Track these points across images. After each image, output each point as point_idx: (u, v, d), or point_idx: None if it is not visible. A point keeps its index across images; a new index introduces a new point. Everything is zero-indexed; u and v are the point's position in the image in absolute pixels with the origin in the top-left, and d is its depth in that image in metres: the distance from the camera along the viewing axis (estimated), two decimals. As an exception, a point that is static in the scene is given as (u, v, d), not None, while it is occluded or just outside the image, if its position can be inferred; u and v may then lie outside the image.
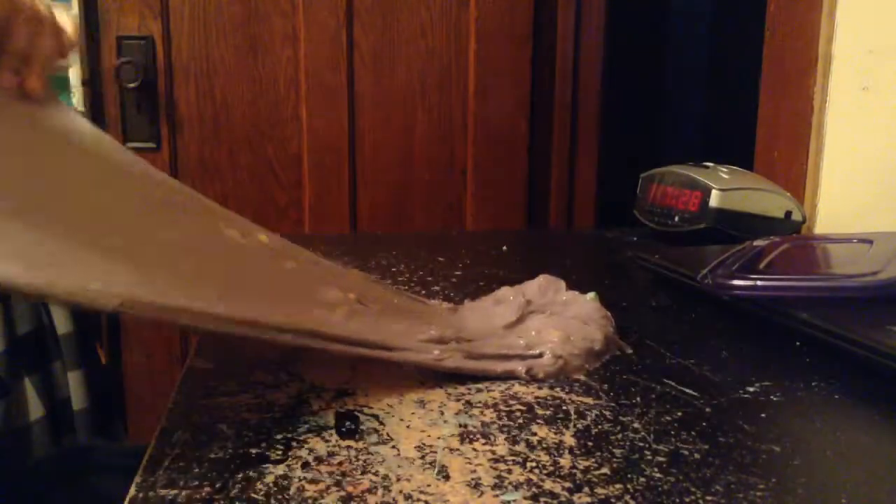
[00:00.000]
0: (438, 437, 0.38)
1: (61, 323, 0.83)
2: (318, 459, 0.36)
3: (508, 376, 0.46)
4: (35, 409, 0.78)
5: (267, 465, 0.35)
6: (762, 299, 0.57)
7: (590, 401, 0.43)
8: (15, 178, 0.39)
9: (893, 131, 0.88)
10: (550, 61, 1.60)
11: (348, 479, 0.34)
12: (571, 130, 1.63)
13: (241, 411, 0.41)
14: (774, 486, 0.34)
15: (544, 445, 0.38)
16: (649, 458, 0.36)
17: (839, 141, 0.92)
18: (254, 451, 0.37)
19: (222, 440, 0.38)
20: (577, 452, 0.37)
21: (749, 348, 0.54)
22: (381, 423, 0.40)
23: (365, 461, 0.36)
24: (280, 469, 0.35)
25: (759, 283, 0.58)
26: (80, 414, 0.83)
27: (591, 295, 0.57)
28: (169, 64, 1.44)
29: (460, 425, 0.40)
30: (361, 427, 0.39)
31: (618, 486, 0.34)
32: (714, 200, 0.84)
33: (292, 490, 0.33)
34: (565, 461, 0.36)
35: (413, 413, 0.41)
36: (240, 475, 0.34)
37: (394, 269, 0.74)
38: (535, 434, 0.39)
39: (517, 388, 0.45)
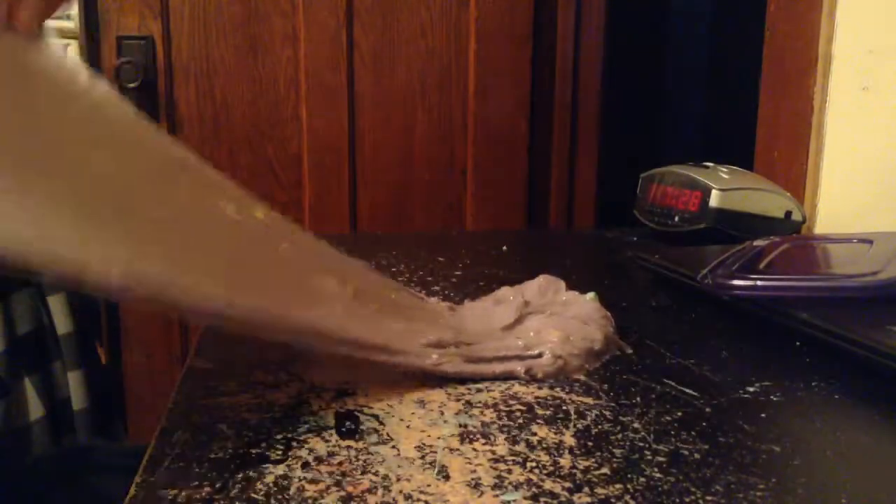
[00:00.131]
0: (438, 437, 0.38)
1: (61, 323, 0.83)
2: (318, 459, 0.36)
3: (508, 377, 0.46)
4: (35, 409, 0.78)
5: (267, 465, 0.35)
6: (762, 299, 0.57)
7: (590, 401, 0.43)
8: (10, 131, 0.35)
9: (893, 131, 0.88)
10: (550, 61, 1.60)
11: (348, 479, 0.34)
12: (571, 130, 1.63)
13: (241, 411, 0.41)
14: (774, 486, 0.34)
15: (544, 445, 0.38)
16: (649, 458, 0.36)
17: (839, 141, 0.92)
18: (254, 451, 0.37)
19: (222, 440, 0.38)
20: (577, 452, 0.37)
21: (749, 348, 0.54)
22: (381, 423, 0.40)
23: (365, 461, 0.36)
24: (280, 469, 0.35)
25: (759, 283, 0.58)
26: (80, 414, 0.83)
27: (590, 295, 0.57)
28: (169, 64, 1.44)
29: (460, 425, 0.40)
30: (361, 427, 0.39)
31: (618, 486, 0.34)
32: (714, 200, 0.84)
33: (292, 490, 0.33)
34: (565, 461, 0.36)
35: (413, 413, 0.41)
36: (240, 475, 0.34)
37: (394, 269, 0.74)
38: (535, 434, 0.39)
39: (517, 388, 0.45)
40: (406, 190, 1.55)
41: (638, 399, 0.43)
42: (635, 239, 0.93)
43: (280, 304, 0.42)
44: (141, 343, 1.51)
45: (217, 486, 0.33)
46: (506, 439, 0.38)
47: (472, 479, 0.34)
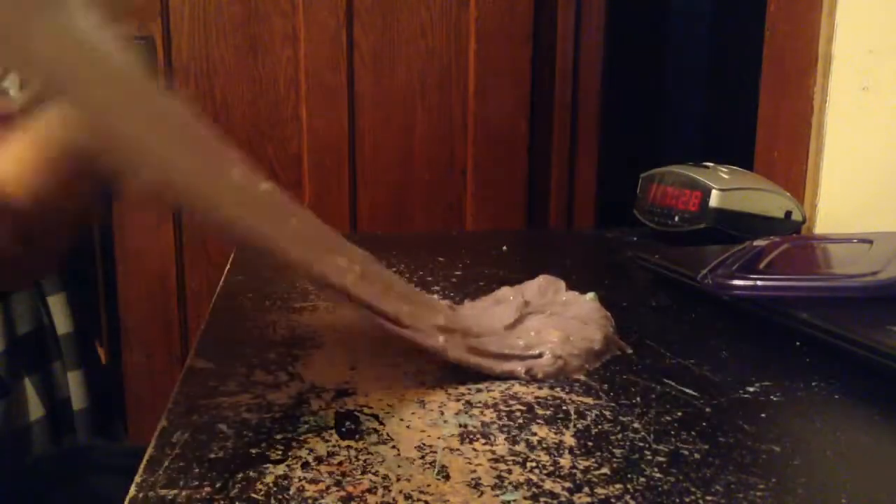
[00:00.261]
0: (438, 437, 0.38)
1: (61, 323, 0.83)
2: (318, 459, 0.36)
3: (508, 376, 0.46)
4: (35, 409, 0.78)
5: (267, 465, 0.35)
6: (762, 299, 0.57)
7: (590, 401, 0.43)
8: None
9: (893, 131, 0.88)
10: (550, 61, 1.60)
11: (348, 479, 0.34)
12: (571, 130, 1.63)
13: (241, 411, 0.41)
14: (774, 486, 0.34)
15: (544, 445, 0.38)
16: (649, 458, 0.36)
17: (839, 141, 0.92)
18: (254, 451, 0.37)
19: (222, 440, 0.38)
20: (577, 452, 0.37)
21: (749, 348, 0.54)
22: (381, 423, 0.40)
23: (365, 461, 0.36)
24: (280, 469, 0.35)
25: (759, 283, 0.58)
26: (80, 414, 0.83)
27: (590, 295, 0.57)
28: (169, 64, 1.44)
29: (460, 425, 0.40)
30: (361, 427, 0.39)
31: (618, 486, 0.34)
32: (714, 200, 0.84)
33: (292, 490, 0.33)
34: (565, 461, 0.36)
35: (413, 413, 0.41)
36: (240, 475, 0.34)
37: (394, 269, 0.74)
38: (535, 434, 0.39)
39: (517, 388, 0.45)
40: (406, 190, 1.55)
41: (638, 399, 0.43)
42: (635, 239, 0.93)
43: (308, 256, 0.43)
44: (141, 343, 1.51)
45: (217, 486, 0.33)
46: (506, 439, 0.38)
47: (472, 479, 0.34)
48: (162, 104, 0.42)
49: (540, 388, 0.45)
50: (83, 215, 0.44)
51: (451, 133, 1.55)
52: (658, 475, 0.35)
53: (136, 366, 1.51)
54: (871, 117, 0.89)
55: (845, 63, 0.91)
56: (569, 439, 0.38)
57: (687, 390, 0.45)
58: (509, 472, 0.35)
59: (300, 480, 0.34)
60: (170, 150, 0.40)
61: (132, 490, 0.33)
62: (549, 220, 1.64)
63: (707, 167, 0.90)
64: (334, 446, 0.37)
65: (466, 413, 0.41)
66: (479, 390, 0.44)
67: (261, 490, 0.33)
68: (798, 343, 0.53)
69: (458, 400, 0.43)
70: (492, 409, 0.42)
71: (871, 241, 0.67)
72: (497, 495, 0.33)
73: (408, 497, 0.33)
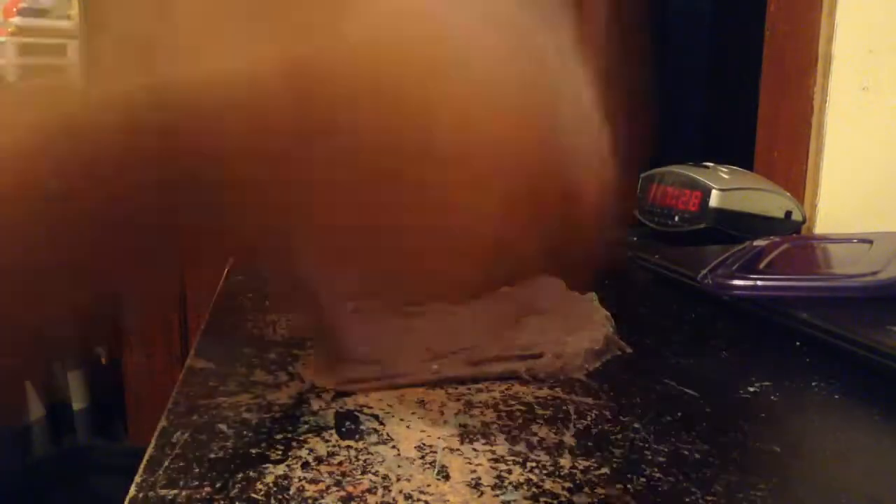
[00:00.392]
0: (438, 437, 0.38)
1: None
2: (318, 459, 0.36)
3: (508, 377, 0.46)
4: (35, 409, 0.78)
5: (267, 465, 0.35)
6: (762, 299, 0.57)
7: (590, 401, 0.43)
8: None
9: (893, 131, 0.88)
10: (550, 61, 1.60)
11: (348, 479, 0.34)
12: (571, 130, 1.63)
13: (241, 411, 0.41)
14: (774, 486, 0.34)
15: (544, 445, 0.38)
16: (649, 458, 0.36)
17: (839, 141, 0.92)
18: (254, 451, 0.37)
19: (222, 440, 0.38)
20: (577, 452, 0.37)
21: (749, 348, 0.54)
22: (381, 423, 0.40)
23: (365, 461, 0.36)
24: (280, 469, 0.35)
25: (759, 283, 0.58)
26: (80, 414, 0.83)
27: (590, 295, 0.57)
28: (169, 64, 1.44)
29: (460, 425, 0.40)
30: (361, 427, 0.39)
31: (618, 486, 0.34)
32: (714, 200, 0.84)
33: (292, 490, 0.33)
34: (565, 461, 0.36)
35: (413, 413, 0.41)
36: (240, 475, 0.34)
37: (394, 269, 0.74)
38: (535, 434, 0.39)
39: (517, 388, 0.45)
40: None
41: (638, 399, 0.43)
42: (635, 239, 0.93)
43: None
44: (141, 343, 1.51)
45: (217, 486, 0.33)
46: (506, 439, 0.38)
47: (472, 479, 0.34)
48: None
49: (540, 388, 0.45)
50: None
51: (451, 133, 1.54)
52: (658, 475, 0.35)
53: (136, 366, 1.51)
54: (871, 117, 0.89)
55: (845, 63, 0.91)
56: (569, 439, 0.38)
57: (687, 390, 0.45)
58: (509, 472, 0.35)
59: (300, 480, 0.34)
60: None
61: (132, 490, 0.33)
62: (549, 220, 1.64)
63: (707, 167, 0.90)
64: (334, 446, 0.37)
65: (466, 413, 0.41)
66: (479, 390, 0.44)
67: (261, 490, 0.33)
68: (798, 343, 0.53)
69: (458, 400, 0.43)
70: (492, 409, 0.42)
71: (871, 241, 0.67)
72: (497, 495, 0.33)
73: (408, 497, 0.33)
